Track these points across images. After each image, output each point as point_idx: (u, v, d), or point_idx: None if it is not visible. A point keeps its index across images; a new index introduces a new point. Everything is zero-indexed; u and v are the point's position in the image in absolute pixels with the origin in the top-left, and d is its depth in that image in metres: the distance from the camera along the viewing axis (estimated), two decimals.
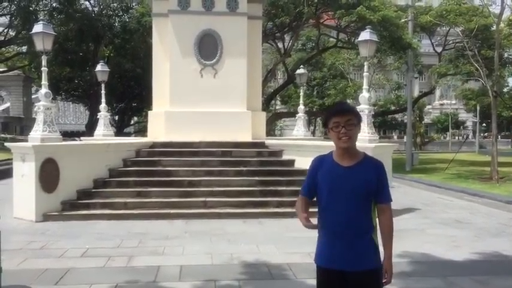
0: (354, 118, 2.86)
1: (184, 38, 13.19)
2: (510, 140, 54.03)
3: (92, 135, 17.53)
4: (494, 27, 20.09)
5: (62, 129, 22.39)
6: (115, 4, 30.31)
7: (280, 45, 27.30)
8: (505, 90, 39.94)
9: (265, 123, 15.16)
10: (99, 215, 9.59)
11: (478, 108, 39.88)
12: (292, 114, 23.99)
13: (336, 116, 2.86)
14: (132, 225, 8.95)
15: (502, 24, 18.81)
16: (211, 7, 13.26)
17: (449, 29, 25.58)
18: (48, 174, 9.61)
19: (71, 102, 43.31)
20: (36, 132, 10.09)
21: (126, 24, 29.43)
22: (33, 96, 31.58)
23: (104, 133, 16.54)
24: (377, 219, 2.95)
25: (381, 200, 2.92)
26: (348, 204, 2.81)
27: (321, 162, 2.97)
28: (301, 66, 20.47)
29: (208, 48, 13.26)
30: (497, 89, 19.58)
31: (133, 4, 29.68)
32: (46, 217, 9.44)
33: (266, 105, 25.53)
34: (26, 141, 10.63)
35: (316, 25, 24.70)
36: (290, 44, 25.60)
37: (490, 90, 18.34)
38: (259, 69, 14.77)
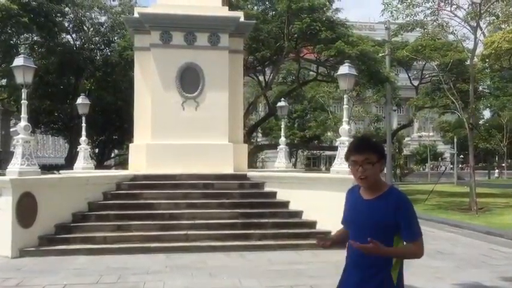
0: (373, 156, 2.76)
1: (166, 71, 13.29)
2: (487, 171, 54.97)
3: (72, 168, 17.30)
4: (468, 62, 20.74)
5: (41, 162, 22.03)
6: (97, 38, 30.49)
7: (261, 78, 27.67)
8: (481, 122, 41.02)
9: (247, 156, 15.18)
10: (78, 250, 9.37)
11: (455, 140, 40.68)
12: (274, 146, 24.10)
13: (354, 154, 2.79)
14: (112, 260, 8.76)
15: (475, 59, 19.44)
16: (193, 41, 13.44)
17: (425, 63, 26.41)
18: (26, 209, 9.39)
19: (50, 135, 42.76)
20: (14, 166, 9.92)
21: (107, 57, 29.54)
22: (11, 129, 31.07)
23: (83, 166, 16.34)
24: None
25: (405, 238, 2.76)
26: (364, 238, 2.70)
27: (350, 194, 2.99)
28: (282, 99, 20.74)
29: (190, 81, 13.37)
30: (473, 121, 20.08)
31: (115, 38, 29.88)
32: (22, 253, 9.18)
33: (248, 137, 25.59)
34: (4, 175, 10.44)
35: (296, 59, 25.16)
36: (271, 77, 25.97)
37: (466, 122, 18.77)
38: (240, 102, 14.89)
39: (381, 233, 2.71)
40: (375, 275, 2.76)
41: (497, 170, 53.89)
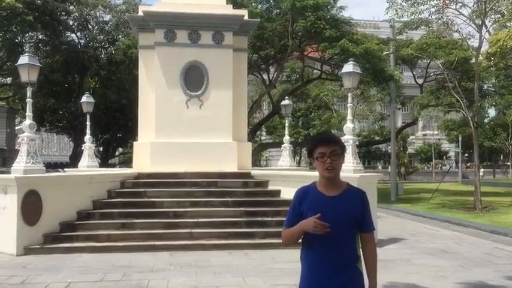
0: (339, 149, 2.89)
1: (171, 69, 13.30)
2: (492, 169, 54.71)
3: (76, 167, 17.35)
4: (473, 60, 20.64)
5: (45, 160, 22.10)
6: (101, 36, 30.53)
7: (265, 76, 27.64)
8: (486, 120, 40.84)
9: (251, 154, 15.19)
10: (82, 248, 9.41)
11: (460, 138, 40.52)
12: (278, 144, 24.10)
13: (321, 146, 2.88)
14: (116, 257, 8.79)
15: (480, 57, 19.34)
16: (197, 40, 13.44)
17: (430, 62, 26.29)
18: (31, 207, 9.44)
19: (55, 134, 42.91)
20: (19, 164, 9.96)
21: (112, 56, 29.55)
22: (16, 128, 31.18)
23: (88, 164, 16.39)
24: (360, 248, 2.96)
25: (365, 229, 2.95)
26: (335, 234, 2.80)
27: (305, 194, 2.96)
28: (286, 97, 20.76)
29: (194, 79, 13.37)
30: (478, 119, 19.98)
31: (120, 36, 29.91)
32: (27, 250, 9.23)
33: (252, 136, 25.61)
34: (9, 173, 10.48)
35: (300, 57, 25.11)
36: (275, 75, 25.94)
37: (471, 121, 18.69)
38: (244, 100, 14.89)
39: (348, 227, 2.85)
40: (347, 271, 2.84)
41: (482, 170, 53.05)
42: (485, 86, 28.95)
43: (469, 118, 18.93)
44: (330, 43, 20.95)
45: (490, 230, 12.24)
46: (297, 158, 43.43)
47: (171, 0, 13.62)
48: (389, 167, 31.16)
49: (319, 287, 2.87)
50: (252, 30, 15.15)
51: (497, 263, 8.58)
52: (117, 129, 33.26)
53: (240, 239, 9.97)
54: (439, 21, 19.11)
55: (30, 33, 26.68)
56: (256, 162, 26.30)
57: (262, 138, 44.46)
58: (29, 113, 10.52)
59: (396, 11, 18.20)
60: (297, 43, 22.57)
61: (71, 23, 29.14)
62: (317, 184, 2.97)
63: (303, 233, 2.86)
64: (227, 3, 14.61)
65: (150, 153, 12.96)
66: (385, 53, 23.50)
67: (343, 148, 2.94)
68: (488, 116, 46.10)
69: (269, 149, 41.81)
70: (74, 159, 26.36)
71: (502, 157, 59.93)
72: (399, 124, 44.35)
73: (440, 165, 61.51)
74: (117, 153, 42.50)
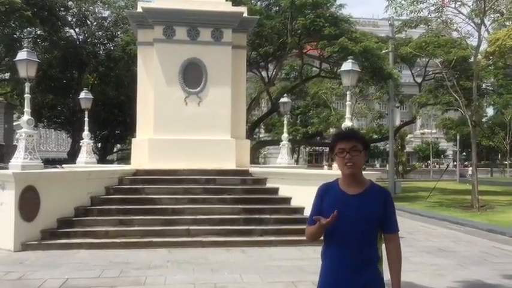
0: (359, 145, 2.83)
1: (169, 66, 13.26)
2: (490, 168, 54.77)
3: (74, 163, 17.35)
4: (472, 59, 20.66)
5: (43, 156, 22.09)
6: (100, 32, 30.47)
7: (264, 74, 27.61)
8: (484, 120, 40.89)
9: (249, 151, 15.17)
10: (80, 244, 9.40)
11: (458, 137, 40.57)
12: (276, 142, 24.10)
13: (341, 142, 2.84)
14: (114, 254, 8.78)
15: (479, 56, 19.36)
16: (196, 36, 13.40)
17: (429, 60, 26.27)
18: (28, 203, 9.42)
19: (53, 130, 42.88)
20: (17, 160, 9.97)
21: (110, 52, 29.53)
22: (14, 123, 31.16)
23: (86, 160, 16.40)
24: (383, 249, 2.89)
25: (389, 230, 2.88)
26: (356, 233, 2.76)
27: (327, 191, 2.92)
28: (285, 95, 20.72)
29: (193, 76, 13.33)
30: (476, 118, 20.00)
31: (119, 33, 29.86)
32: (25, 246, 9.21)
33: (250, 133, 25.61)
34: (7, 168, 10.47)
35: (299, 55, 25.10)
36: (274, 73, 25.93)
37: (469, 120, 18.72)
38: (243, 97, 14.86)
39: (369, 226, 2.79)
40: (366, 271, 2.79)
41: (470, 168, 52.91)
42: (483, 85, 28.95)
43: (467, 117, 18.95)
44: (329, 41, 20.95)
45: (487, 229, 12.28)
46: (295, 155, 43.48)
47: None
48: (387, 165, 31.17)
49: (338, 286, 2.81)
50: (251, 28, 15.11)
51: (494, 262, 8.60)
52: (115, 126, 33.27)
53: (237, 236, 9.97)
54: (438, 19, 19.15)
55: (28, 28, 26.60)
56: (254, 160, 26.30)
57: (261, 135, 44.45)
58: (27, 108, 10.51)
59: (395, 9, 18.24)
60: (296, 41, 22.55)
61: (69, 18, 29.07)
62: (339, 181, 2.92)
63: (323, 229, 2.78)
64: (226, 0, 14.57)
65: (149, 150, 12.94)
66: (384, 51, 23.49)
67: (365, 144, 2.86)
68: (487, 115, 46.13)
69: (267, 147, 41.83)
70: (72, 156, 26.36)
71: (499, 156, 60.01)
72: (397, 122, 44.38)
73: (437, 164, 61.59)
74: (115, 149, 42.51)
